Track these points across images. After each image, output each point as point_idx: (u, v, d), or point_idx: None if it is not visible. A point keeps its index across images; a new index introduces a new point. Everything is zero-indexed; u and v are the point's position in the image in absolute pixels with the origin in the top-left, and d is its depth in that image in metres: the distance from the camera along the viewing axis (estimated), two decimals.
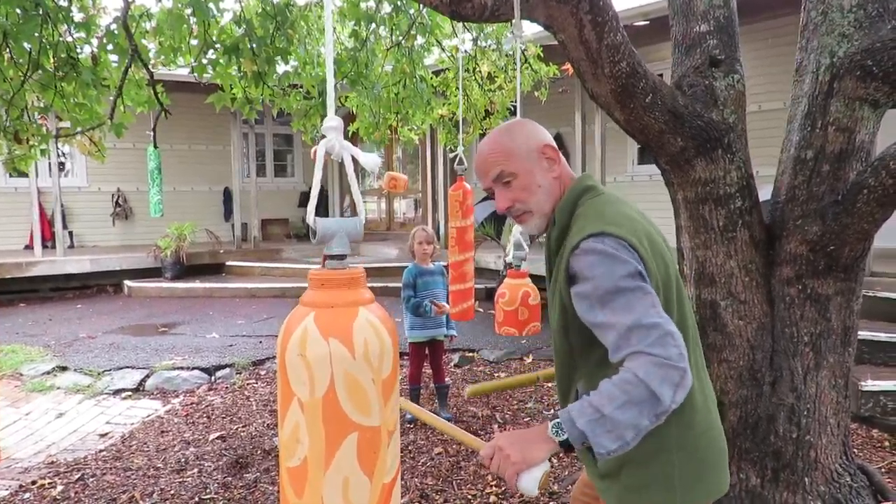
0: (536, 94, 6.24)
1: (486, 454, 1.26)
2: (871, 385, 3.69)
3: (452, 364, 5.32)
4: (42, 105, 3.99)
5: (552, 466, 3.23)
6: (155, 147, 4.99)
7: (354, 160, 1.25)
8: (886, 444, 3.51)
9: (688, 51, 2.77)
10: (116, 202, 11.72)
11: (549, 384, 4.83)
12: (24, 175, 8.65)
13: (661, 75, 2.70)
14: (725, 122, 2.64)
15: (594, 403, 1.17)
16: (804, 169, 2.61)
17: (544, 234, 1.54)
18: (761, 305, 2.64)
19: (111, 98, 4.11)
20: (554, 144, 1.51)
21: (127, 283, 9.41)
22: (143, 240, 11.15)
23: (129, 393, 4.76)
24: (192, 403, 4.52)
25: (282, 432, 1.17)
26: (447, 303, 4.12)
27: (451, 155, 3.73)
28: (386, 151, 13.39)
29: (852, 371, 2.71)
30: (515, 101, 6.49)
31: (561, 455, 3.51)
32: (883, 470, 3.22)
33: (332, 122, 1.20)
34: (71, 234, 11.21)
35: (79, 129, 4.06)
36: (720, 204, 2.66)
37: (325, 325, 1.10)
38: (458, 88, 6.22)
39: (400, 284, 4.20)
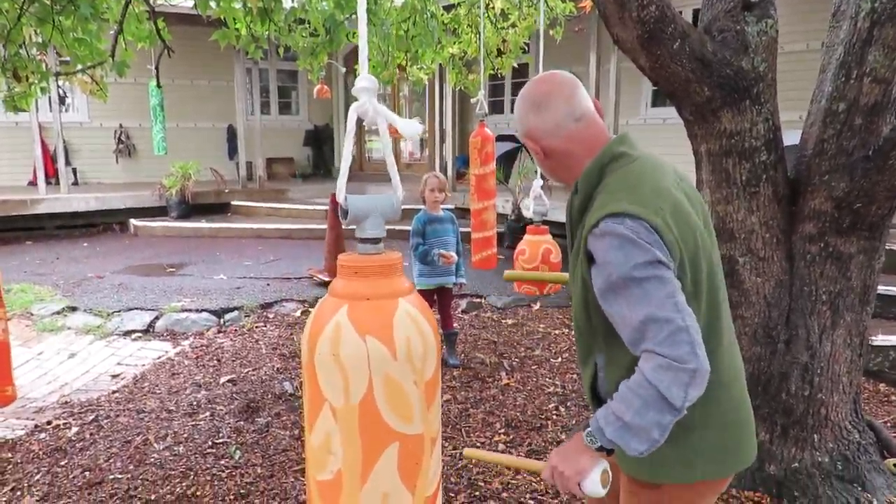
0: (551, 32, 5.99)
1: (547, 476, 1.31)
2: (881, 340, 3.68)
3: (460, 310, 5.33)
4: (40, 40, 3.84)
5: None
6: (158, 86, 4.82)
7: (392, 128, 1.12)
8: (893, 398, 3.52)
9: None
10: (119, 139, 11.56)
11: (557, 332, 4.84)
12: (24, 109, 8.50)
13: (680, 12, 2.55)
14: (755, 70, 2.52)
15: (616, 412, 1.18)
16: (835, 121, 2.50)
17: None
18: (780, 263, 2.59)
19: (112, 33, 3.96)
20: (543, 138, 1.38)
21: (133, 221, 9.38)
22: (147, 177, 11.05)
23: (140, 334, 4.79)
24: (201, 346, 4.56)
25: (310, 440, 1.04)
26: (458, 250, 4.09)
27: (474, 100, 3.60)
28: (392, 90, 13.07)
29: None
30: (528, 40, 6.26)
31: (568, 404, 3.55)
32: (889, 424, 3.24)
33: (365, 81, 1.07)
34: (74, 170, 11.10)
35: (80, 66, 3.93)
36: (745, 157, 2.57)
37: (362, 321, 0.98)
38: (469, 26, 5.99)
39: (407, 227, 4.14)
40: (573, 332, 1.50)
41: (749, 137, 2.55)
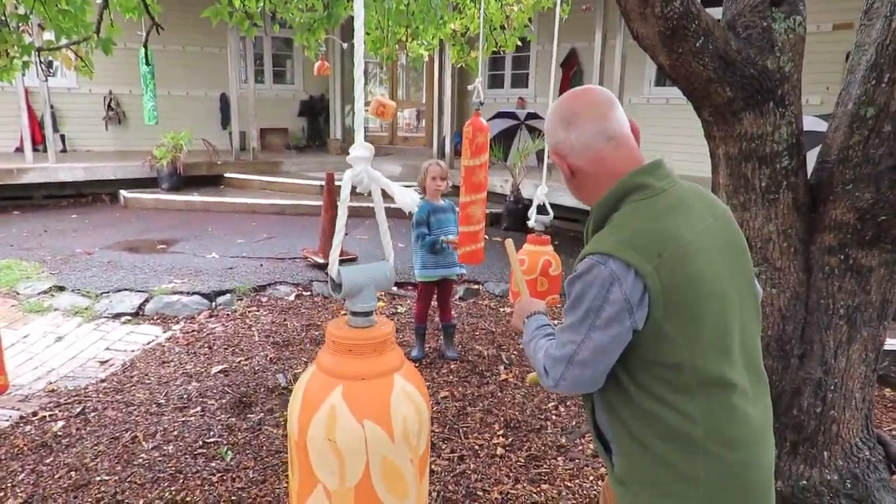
0: (558, 9, 5.77)
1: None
2: (889, 344, 3.60)
3: (457, 297, 5.24)
4: (21, 12, 3.63)
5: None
6: (147, 64, 4.61)
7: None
8: None
9: None
10: (108, 105, 11.27)
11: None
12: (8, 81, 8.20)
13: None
14: (781, 70, 2.38)
15: (532, 339, 1.42)
16: (862, 128, 2.37)
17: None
18: (797, 274, 2.49)
19: (98, 2, 3.75)
20: (571, 156, 1.36)
21: (123, 193, 9.18)
22: (137, 146, 10.80)
23: (129, 317, 4.67)
24: (192, 331, 4.45)
25: None
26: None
27: (470, 87, 3.43)
28: (392, 66, 12.75)
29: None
30: (532, 17, 6.04)
31: (568, 403, 3.47)
32: (893, 433, 3.19)
33: (361, 150, 0.97)
34: (63, 137, 10.84)
35: (64, 40, 3.72)
36: (765, 163, 2.45)
37: (358, 404, 0.93)
38: (472, 1, 5.76)
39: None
40: None
41: (771, 142, 2.42)
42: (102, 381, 3.71)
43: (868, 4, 2.44)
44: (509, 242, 1.96)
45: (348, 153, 1.08)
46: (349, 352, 0.99)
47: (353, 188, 1.02)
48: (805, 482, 2.47)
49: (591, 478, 2.74)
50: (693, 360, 1.21)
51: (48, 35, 3.95)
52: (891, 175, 2.29)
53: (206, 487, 2.64)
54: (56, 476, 2.74)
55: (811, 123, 5.11)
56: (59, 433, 3.10)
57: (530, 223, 2.91)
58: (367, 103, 13.94)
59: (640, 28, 2.32)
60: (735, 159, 2.50)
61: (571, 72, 10.37)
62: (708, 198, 1.36)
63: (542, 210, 3.05)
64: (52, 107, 9.59)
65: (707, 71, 2.33)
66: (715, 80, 2.35)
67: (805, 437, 2.48)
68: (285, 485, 2.67)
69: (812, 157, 2.65)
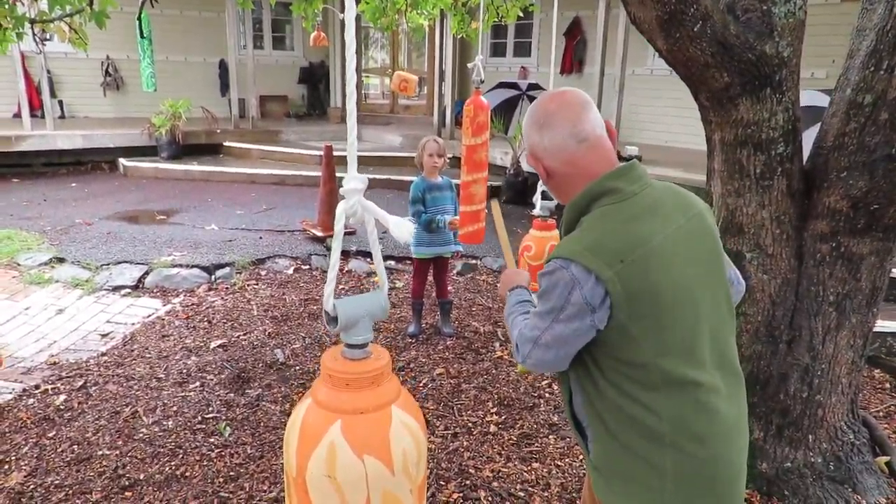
0: None
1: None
2: (879, 326, 3.63)
3: (455, 272, 5.26)
4: None
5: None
6: (143, 37, 4.55)
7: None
8: (887, 385, 3.52)
9: None
10: (106, 71, 11.15)
11: None
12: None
13: None
14: (779, 55, 2.35)
15: (508, 308, 1.58)
16: (859, 115, 2.36)
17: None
18: (789, 261, 2.50)
19: None
20: (546, 157, 1.40)
21: (122, 161, 9.14)
22: (136, 112, 10.73)
23: (129, 290, 4.71)
24: (192, 305, 4.49)
25: None
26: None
27: (470, 65, 3.40)
28: (393, 32, 12.51)
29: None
30: None
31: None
32: (881, 413, 3.24)
33: (355, 182, 0.97)
34: (61, 103, 10.76)
35: (57, 10, 3.67)
36: (760, 149, 2.44)
37: (358, 440, 0.93)
38: None
39: (404, 177, 4.01)
40: None
41: (767, 128, 2.41)
42: (103, 354, 3.77)
43: None
44: (495, 204, 2.01)
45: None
46: (346, 385, 0.98)
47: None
48: (789, 464, 2.53)
49: (581, 457, 2.80)
50: (657, 361, 1.25)
51: (42, 5, 3.90)
52: (885, 164, 2.29)
53: (204, 463, 2.70)
54: (59, 450, 2.80)
55: (815, 98, 5.06)
56: (61, 407, 3.16)
57: (535, 211, 2.91)
58: (388, 73, 13.67)
59: (638, 12, 2.29)
60: (730, 145, 2.49)
61: (575, 41, 10.22)
62: (682, 198, 1.38)
63: (546, 195, 3.05)
64: (48, 72, 9.49)
65: (705, 56, 2.31)
66: (712, 65, 2.33)
67: (790, 421, 2.53)
68: (282, 461, 2.74)
69: (814, 133, 2.64)
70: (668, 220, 1.30)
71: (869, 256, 2.43)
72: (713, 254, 1.37)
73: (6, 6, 3.61)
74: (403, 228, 1.02)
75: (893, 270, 4.16)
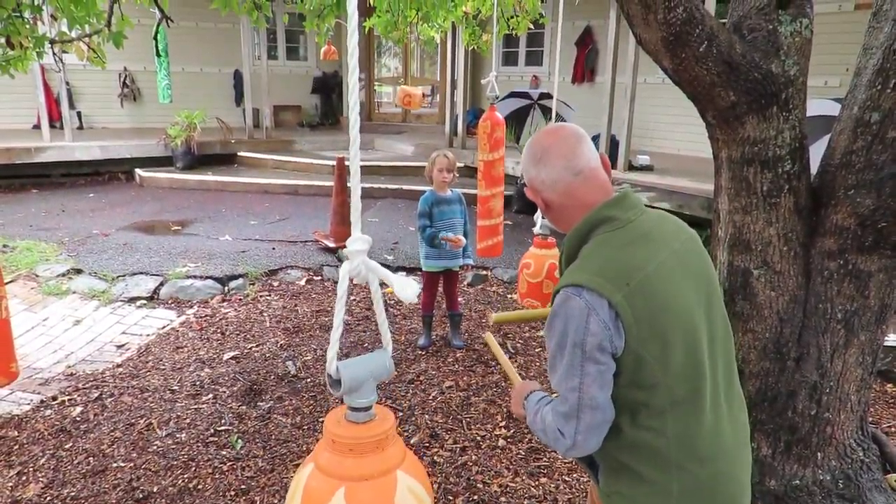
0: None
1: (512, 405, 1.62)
2: (891, 340, 3.61)
3: (465, 283, 5.29)
4: (34, 3, 3.67)
5: None
6: (158, 56, 4.64)
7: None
8: None
9: None
10: (123, 82, 11.34)
11: None
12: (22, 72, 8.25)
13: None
14: (786, 74, 2.36)
15: (535, 416, 1.42)
16: (866, 133, 2.36)
17: None
18: (796, 278, 2.50)
19: None
20: (544, 189, 1.43)
21: (139, 171, 9.29)
22: (153, 122, 10.88)
23: (144, 301, 4.79)
24: (205, 316, 4.56)
25: None
26: (465, 231, 4.01)
27: (484, 81, 3.44)
28: (404, 45, 12.60)
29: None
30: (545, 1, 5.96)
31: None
32: (893, 429, 3.22)
33: (359, 243, 0.99)
34: (79, 114, 10.96)
35: (75, 31, 3.77)
36: (767, 167, 2.45)
37: None
38: None
39: (416, 187, 4.05)
40: None
41: (774, 146, 2.42)
42: (119, 365, 3.84)
43: (877, 6, 2.41)
44: (489, 336, 2.02)
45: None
46: (350, 451, 0.97)
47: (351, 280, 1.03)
48: (798, 482, 2.52)
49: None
50: (667, 381, 1.29)
51: (62, 26, 4.00)
52: (893, 182, 2.28)
53: (216, 476, 2.75)
54: (75, 461, 2.86)
55: (827, 108, 5.03)
56: (78, 418, 3.22)
57: (535, 229, 2.94)
58: (400, 82, 13.72)
59: (644, 33, 2.31)
60: (737, 163, 2.50)
61: (587, 50, 10.23)
62: (673, 225, 1.43)
63: None
64: (67, 84, 9.67)
65: (711, 75, 2.33)
66: (718, 84, 2.35)
67: (799, 438, 2.52)
68: (293, 474, 2.77)
69: (825, 143, 2.64)
70: (662, 245, 1.34)
71: (877, 274, 2.42)
72: (709, 274, 1.41)
73: (27, 26, 3.71)
74: (408, 289, 1.03)
75: None
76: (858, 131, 2.38)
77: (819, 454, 2.52)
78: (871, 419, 2.83)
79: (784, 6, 2.37)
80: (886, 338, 3.62)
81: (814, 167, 2.56)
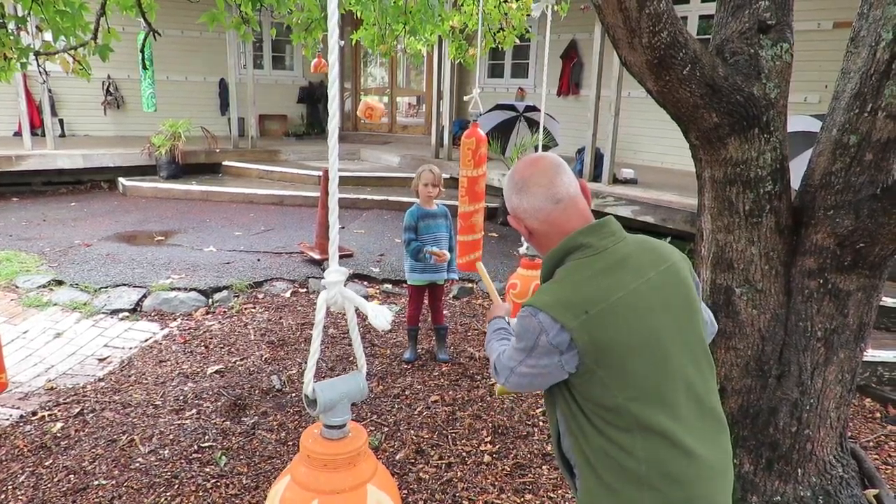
0: (556, 8, 5.77)
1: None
2: (870, 355, 3.68)
3: (451, 296, 5.30)
4: (19, 14, 3.65)
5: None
6: (145, 68, 4.62)
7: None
8: (878, 415, 3.55)
9: (735, 11, 2.48)
10: (107, 90, 11.24)
11: None
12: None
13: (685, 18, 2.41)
14: (767, 97, 2.42)
15: (488, 337, 1.75)
16: (844, 155, 2.42)
17: None
18: (778, 296, 2.55)
19: (96, 9, 3.75)
20: (526, 217, 1.51)
21: (122, 181, 9.20)
22: (136, 131, 10.81)
23: (127, 314, 4.74)
24: (189, 329, 4.52)
25: None
26: (451, 245, 4.02)
27: (467, 98, 3.47)
28: (390, 60, 12.66)
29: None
30: (530, 15, 6.03)
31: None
32: (871, 444, 3.27)
33: (336, 275, 1.04)
34: (61, 122, 10.84)
35: (61, 43, 3.74)
36: (749, 187, 2.50)
37: None
38: (472, 1, 5.75)
39: (402, 198, 4.06)
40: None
41: (755, 167, 2.47)
42: (101, 379, 3.79)
43: (855, 32, 2.47)
44: (480, 266, 2.26)
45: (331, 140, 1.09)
46: (324, 466, 1.03)
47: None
48: (779, 498, 2.56)
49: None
50: (628, 405, 1.33)
51: (46, 36, 3.97)
52: (870, 203, 2.34)
53: (200, 493, 2.72)
54: (55, 479, 2.82)
55: (806, 124, 5.13)
56: (58, 434, 3.18)
57: (522, 249, 2.96)
58: (386, 92, 13.65)
59: (629, 56, 2.35)
60: (720, 183, 2.55)
61: (572, 63, 10.34)
62: (654, 252, 1.45)
63: None
64: (49, 91, 9.57)
65: (694, 97, 2.37)
66: (702, 105, 2.39)
67: (780, 455, 2.56)
68: None
69: (806, 159, 2.69)
70: (637, 273, 1.38)
71: (856, 293, 2.48)
72: (687, 303, 1.43)
73: (11, 37, 3.68)
74: (381, 317, 1.08)
75: (888, 301, 4.23)
76: (837, 153, 2.44)
77: (800, 470, 2.56)
78: (849, 434, 2.87)
79: (765, 31, 2.43)
80: (865, 351, 3.68)
81: (794, 181, 2.62)
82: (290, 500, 1.03)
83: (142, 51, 4.30)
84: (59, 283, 5.17)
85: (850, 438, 2.87)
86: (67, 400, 3.53)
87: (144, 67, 5.15)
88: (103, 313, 4.74)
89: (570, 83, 10.40)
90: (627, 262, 1.39)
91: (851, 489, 2.60)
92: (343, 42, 9.12)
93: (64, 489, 2.75)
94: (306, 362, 3.49)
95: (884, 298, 4.21)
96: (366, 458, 1.08)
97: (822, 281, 2.48)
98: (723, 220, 2.58)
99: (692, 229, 5.93)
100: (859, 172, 2.38)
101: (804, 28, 7.37)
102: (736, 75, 2.39)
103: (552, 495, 2.77)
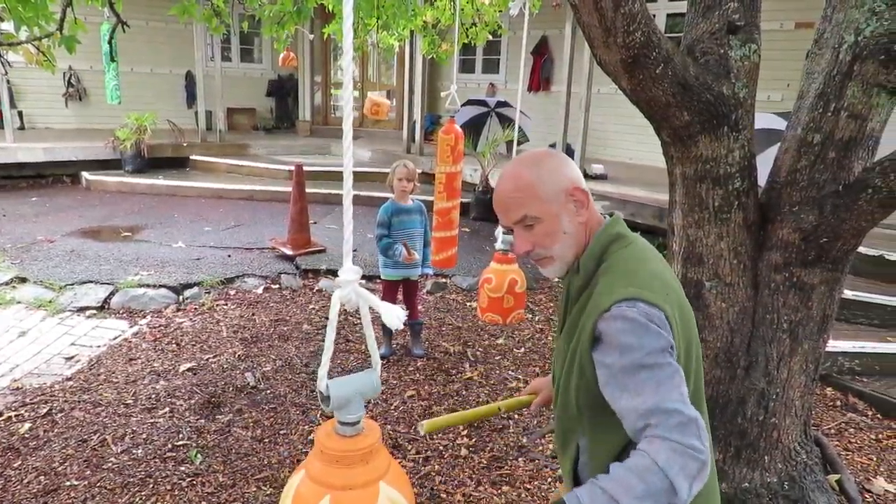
0: (528, 5, 5.81)
1: None
2: (831, 346, 3.80)
3: (425, 291, 5.32)
4: None
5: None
6: (112, 60, 4.51)
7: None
8: (838, 403, 3.69)
9: (706, 12, 2.54)
10: (68, 81, 10.94)
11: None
12: None
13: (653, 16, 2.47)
14: (735, 96, 2.48)
15: (609, 491, 1.06)
16: (809, 153, 2.50)
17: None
18: (746, 290, 2.63)
19: None
20: (584, 185, 1.34)
21: (85, 175, 8.97)
22: (99, 124, 10.56)
23: (94, 311, 4.64)
24: (159, 326, 4.45)
25: None
26: (426, 240, 4.04)
27: (444, 94, 3.48)
28: (361, 57, 12.56)
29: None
30: (502, 11, 6.07)
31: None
32: (833, 431, 3.40)
33: (350, 273, 1.04)
34: (20, 114, 10.51)
35: (24, 33, 3.63)
36: (718, 184, 2.57)
37: None
38: None
39: (374, 193, 4.06)
40: (553, 414, 1.46)
41: (724, 164, 2.54)
42: (68, 378, 3.71)
43: (819, 34, 2.55)
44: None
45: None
46: (337, 462, 1.04)
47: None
48: (747, 484, 2.64)
49: (550, 479, 2.88)
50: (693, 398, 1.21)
51: (6, 25, 3.85)
52: (833, 200, 2.43)
53: (175, 493, 2.69)
54: (25, 481, 2.76)
55: (769, 121, 5.27)
56: (26, 435, 3.11)
57: (497, 244, 2.99)
58: (357, 87, 13.48)
59: (604, 55, 2.39)
60: (691, 179, 2.61)
61: (543, 59, 10.41)
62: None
63: (508, 230, 3.14)
64: (8, 82, 9.26)
65: (666, 96, 2.42)
66: (673, 104, 2.44)
67: (748, 443, 2.64)
68: (254, 488, 2.75)
69: (770, 154, 2.77)
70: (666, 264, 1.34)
71: (819, 286, 2.57)
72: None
73: None
74: (394, 316, 1.09)
75: (846, 293, 4.38)
76: (802, 151, 2.52)
77: (766, 457, 2.65)
78: (813, 422, 2.98)
79: (734, 31, 2.49)
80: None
81: (759, 177, 2.70)
82: (303, 494, 1.04)
83: (109, 42, 4.19)
84: (23, 280, 5.03)
85: (814, 426, 2.98)
86: (34, 400, 3.45)
87: (112, 59, 4.99)
88: (69, 311, 4.63)
89: (540, 79, 10.48)
90: (655, 253, 1.34)
91: (815, 475, 2.70)
92: (314, 36, 9.03)
93: (34, 491, 2.69)
94: (281, 358, 3.49)
95: (844, 291, 4.36)
96: (379, 455, 1.08)
97: (787, 275, 2.57)
98: (693, 216, 2.65)
99: (661, 224, 6.05)
100: (823, 170, 2.47)
101: (768, 28, 7.52)
102: (706, 75, 2.45)
103: (528, 486, 2.81)
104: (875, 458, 3.19)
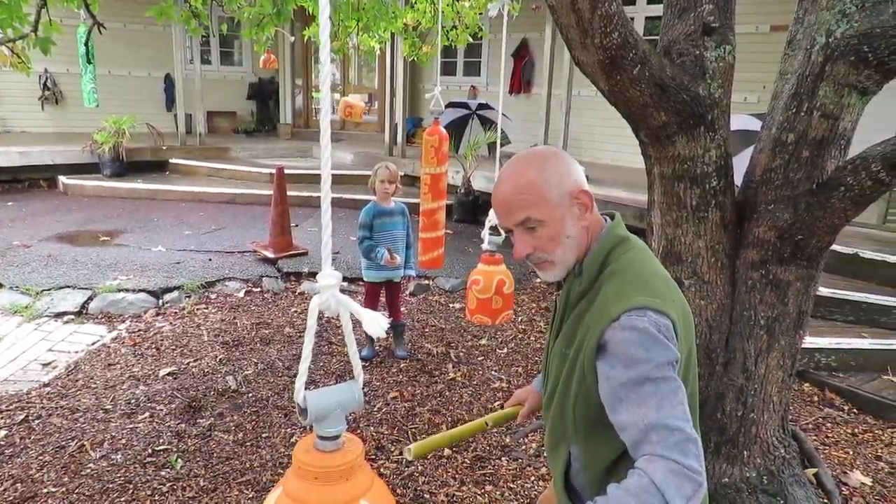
0: (508, 8, 5.84)
1: None
2: (808, 342, 3.87)
3: (408, 293, 5.32)
4: None
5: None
6: (89, 62, 4.46)
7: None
8: (815, 398, 3.75)
9: (681, 14, 2.58)
10: (45, 85, 10.79)
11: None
12: None
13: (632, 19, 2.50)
14: (711, 97, 2.52)
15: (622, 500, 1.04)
16: (783, 152, 2.55)
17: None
18: (723, 287, 2.66)
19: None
20: (588, 188, 1.31)
21: (62, 179, 8.85)
22: (77, 127, 10.42)
23: (72, 316, 4.58)
24: (139, 331, 4.40)
25: None
26: (408, 242, 4.04)
27: (428, 96, 3.49)
28: (343, 60, 12.54)
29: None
30: (483, 14, 6.09)
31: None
32: (810, 426, 3.45)
33: (329, 278, 1.00)
34: None
35: None
36: (696, 183, 2.60)
37: None
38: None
39: (356, 196, 4.06)
40: (543, 417, 1.44)
41: (701, 163, 2.57)
42: (46, 385, 3.65)
43: (791, 35, 2.60)
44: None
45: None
46: (315, 479, 0.98)
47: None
48: (727, 479, 2.68)
49: (533, 478, 2.89)
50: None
51: None
52: (807, 198, 2.47)
53: (156, 498, 2.66)
54: (0, 489, 2.71)
55: (745, 122, 5.35)
56: (2, 442, 3.05)
57: (484, 245, 2.99)
58: (338, 89, 13.46)
59: (581, 56, 2.41)
60: (668, 179, 2.65)
61: (523, 62, 10.47)
62: None
63: (495, 230, 3.13)
64: None
65: (644, 96, 2.45)
66: (651, 105, 2.47)
67: (727, 439, 2.68)
68: (236, 493, 2.73)
69: (746, 156, 2.81)
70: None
71: (795, 283, 2.61)
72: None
73: None
74: (376, 324, 1.04)
75: (823, 290, 4.46)
76: (777, 150, 2.57)
77: (745, 453, 2.68)
78: (790, 417, 3.03)
79: (709, 33, 2.53)
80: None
81: (735, 178, 2.74)
82: None
83: (86, 44, 4.14)
84: None
85: (791, 421, 3.03)
86: (10, 407, 3.39)
87: (89, 62, 4.93)
88: (46, 316, 4.56)
89: (521, 81, 10.54)
90: (653, 257, 1.33)
91: (793, 469, 2.75)
92: (294, 38, 9.00)
93: (10, 498, 2.64)
94: (262, 362, 3.45)
95: (819, 289, 4.44)
96: (361, 472, 1.03)
97: (764, 272, 2.61)
98: (672, 215, 2.68)
99: (641, 224, 6.09)
100: (797, 169, 2.51)
101: (743, 31, 7.65)
102: (683, 75, 2.48)
103: (512, 486, 2.82)
104: (851, 452, 3.25)
